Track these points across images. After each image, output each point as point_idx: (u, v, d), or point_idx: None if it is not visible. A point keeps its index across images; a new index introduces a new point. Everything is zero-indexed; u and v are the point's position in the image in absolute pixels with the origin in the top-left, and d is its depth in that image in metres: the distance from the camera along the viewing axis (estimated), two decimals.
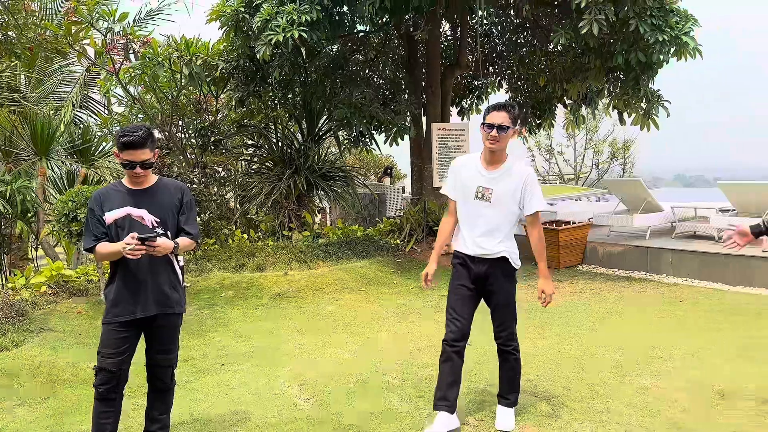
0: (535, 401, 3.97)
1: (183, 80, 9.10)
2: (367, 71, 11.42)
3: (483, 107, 13.34)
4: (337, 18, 8.75)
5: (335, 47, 10.48)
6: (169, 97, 9.77)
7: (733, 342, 5.06)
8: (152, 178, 3.30)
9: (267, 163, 10.62)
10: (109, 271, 3.31)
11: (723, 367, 4.46)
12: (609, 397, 4.00)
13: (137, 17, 12.39)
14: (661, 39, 7.16)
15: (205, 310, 6.69)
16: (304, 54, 8.14)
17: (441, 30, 11.56)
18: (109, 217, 3.14)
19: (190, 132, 10.36)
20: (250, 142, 11.12)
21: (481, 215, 3.44)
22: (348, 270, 8.11)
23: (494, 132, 3.32)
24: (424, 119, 11.18)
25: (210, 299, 7.02)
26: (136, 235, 3.00)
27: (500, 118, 3.34)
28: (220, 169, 10.35)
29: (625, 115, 9.15)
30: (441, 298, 7.15)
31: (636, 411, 3.76)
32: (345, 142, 11.20)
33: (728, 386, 4.09)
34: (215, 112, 10.50)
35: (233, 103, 9.90)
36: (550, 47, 9.99)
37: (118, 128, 7.79)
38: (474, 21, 11.30)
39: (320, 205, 11.82)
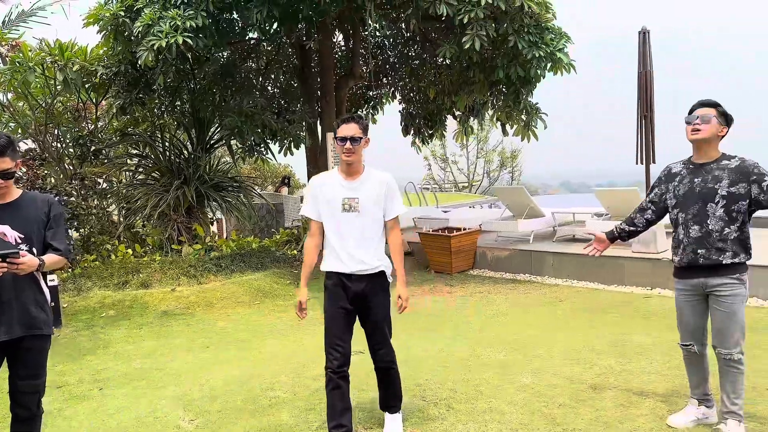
0: (423, 405, 4.04)
1: (58, 86, 8.51)
2: (260, 79, 11.26)
3: (379, 117, 13.58)
4: (225, 25, 8.56)
5: (225, 54, 10.24)
6: (43, 105, 9.11)
7: (605, 338, 5.44)
8: (16, 192, 3.09)
9: (153, 174, 10.16)
10: None
11: (596, 362, 4.78)
12: (492, 396, 4.16)
13: (6, 19, 11.47)
14: (537, 55, 7.63)
15: (83, 331, 6.26)
16: (190, 60, 7.89)
17: (335, 40, 11.63)
18: None
19: (67, 141, 9.72)
20: (134, 151, 10.59)
21: (353, 226, 3.43)
22: (241, 283, 7.91)
23: (348, 144, 3.37)
24: (319, 128, 11.17)
25: (89, 320, 6.58)
26: None
27: (352, 130, 3.40)
28: (101, 181, 9.77)
29: (508, 126, 9.65)
30: None
31: (516, 409, 3.93)
32: (239, 151, 10.96)
33: (599, 380, 4.38)
34: (95, 120, 9.92)
35: (115, 111, 9.40)
36: (439, 61, 10.33)
37: None
38: (366, 33, 11.47)
39: (213, 217, 11.46)
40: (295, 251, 9.96)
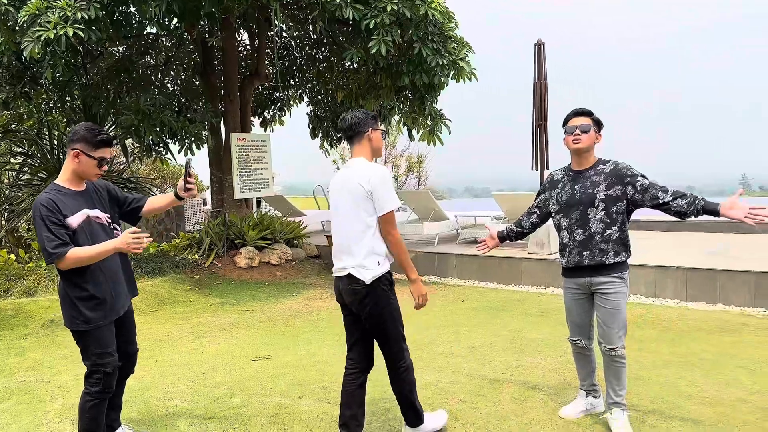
0: (327, 408, 4.04)
1: None
2: (159, 76, 10.81)
3: (286, 119, 13.42)
4: (121, 18, 8.15)
5: (121, 49, 9.74)
6: None
7: (503, 335, 5.68)
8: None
9: (40, 174, 9.45)
10: None
11: (494, 359, 4.98)
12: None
13: None
14: (441, 63, 7.85)
15: None
16: (81, 54, 7.43)
17: (239, 39, 11.38)
18: None
19: None
20: (18, 149, 9.81)
21: None
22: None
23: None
24: (223, 128, 10.88)
25: None
26: None
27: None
28: None
29: (414, 131, 9.86)
30: (241, 313, 6.99)
31: None
32: (136, 151, 10.45)
33: (497, 376, 4.57)
34: None
35: None
36: (347, 64, 10.38)
37: None
38: (273, 33, 11.32)
39: None
40: (196, 255, 9.62)
